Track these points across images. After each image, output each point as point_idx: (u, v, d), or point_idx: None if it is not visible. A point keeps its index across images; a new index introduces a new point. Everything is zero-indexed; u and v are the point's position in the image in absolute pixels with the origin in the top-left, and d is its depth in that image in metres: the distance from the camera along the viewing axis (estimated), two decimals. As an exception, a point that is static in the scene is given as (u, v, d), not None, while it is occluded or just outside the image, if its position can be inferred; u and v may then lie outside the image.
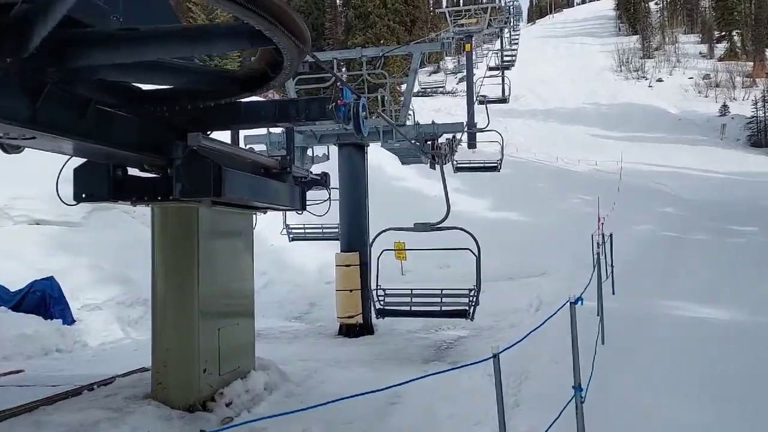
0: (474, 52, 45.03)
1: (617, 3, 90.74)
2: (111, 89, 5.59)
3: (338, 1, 67.60)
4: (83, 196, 6.77)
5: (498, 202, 28.57)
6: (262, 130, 13.32)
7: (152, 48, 4.49)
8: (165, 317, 7.27)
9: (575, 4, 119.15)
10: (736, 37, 75.89)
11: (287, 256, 20.39)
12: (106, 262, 15.21)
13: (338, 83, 6.86)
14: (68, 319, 12.68)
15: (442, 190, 16.01)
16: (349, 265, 13.33)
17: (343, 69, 17.12)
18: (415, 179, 27.93)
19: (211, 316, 7.43)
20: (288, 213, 15.08)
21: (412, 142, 13.09)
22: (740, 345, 7.97)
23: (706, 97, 65.83)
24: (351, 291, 13.21)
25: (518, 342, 4.76)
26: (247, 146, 12.35)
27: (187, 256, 7.24)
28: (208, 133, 6.92)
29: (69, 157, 6.39)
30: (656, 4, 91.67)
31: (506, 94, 34.33)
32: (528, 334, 4.77)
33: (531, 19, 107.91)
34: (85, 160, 6.66)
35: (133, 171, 6.99)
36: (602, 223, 17.64)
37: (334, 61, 14.50)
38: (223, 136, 7.73)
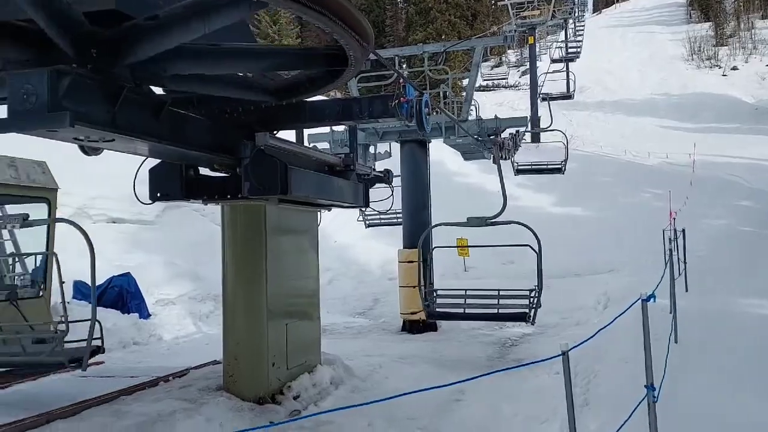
0: (537, 45, 44.14)
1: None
2: (184, 92, 5.81)
3: (398, -3, 67.63)
4: (158, 195, 7.05)
5: (563, 197, 27.96)
6: (326, 129, 13.50)
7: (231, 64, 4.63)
8: (235, 312, 7.50)
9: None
10: (818, 20, 71.54)
11: (351, 253, 20.64)
12: (178, 259, 15.80)
13: (400, 80, 6.87)
14: (144, 314, 13.26)
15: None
16: (411, 262, 13.35)
17: (404, 66, 17.15)
18: (478, 175, 27.67)
19: (279, 312, 7.62)
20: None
21: (475, 137, 12.98)
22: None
23: (786, 84, 62.31)
24: (414, 287, 13.22)
25: (588, 339, 4.67)
26: (311, 145, 12.57)
27: (255, 253, 7.44)
28: (275, 132, 7.09)
29: (144, 158, 6.67)
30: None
31: (571, 89, 32.81)
32: (599, 331, 4.67)
33: (597, 9, 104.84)
34: (159, 161, 6.94)
35: (204, 171, 7.24)
36: (674, 218, 17.04)
37: (396, 58, 14.54)
38: (289, 135, 7.90)
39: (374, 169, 10.63)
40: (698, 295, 10.60)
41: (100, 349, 6.18)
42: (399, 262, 13.74)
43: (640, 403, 4.67)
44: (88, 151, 6.14)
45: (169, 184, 7.02)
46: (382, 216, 16.02)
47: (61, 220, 6.91)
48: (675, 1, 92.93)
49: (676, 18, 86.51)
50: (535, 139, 33.27)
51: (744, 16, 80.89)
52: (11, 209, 11.93)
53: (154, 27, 4.24)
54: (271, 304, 7.43)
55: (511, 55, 70.01)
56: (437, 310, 9.67)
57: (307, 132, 12.36)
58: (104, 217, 17.02)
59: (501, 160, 13.90)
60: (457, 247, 14.93)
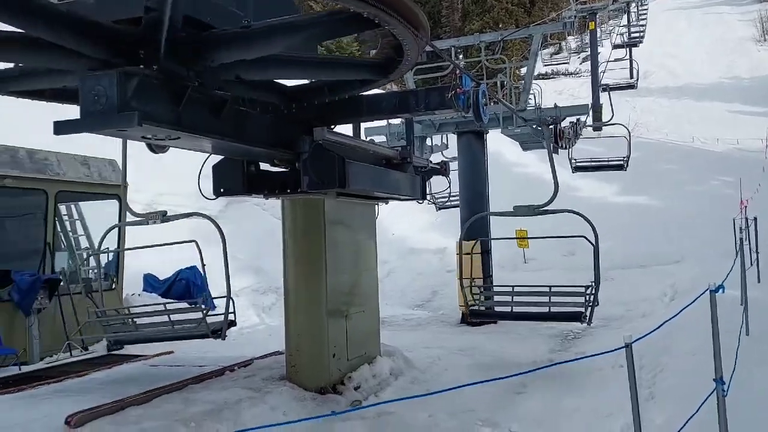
0: (598, 30, 42.80)
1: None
2: (245, 90, 5.97)
3: (454, -13, 66.88)
4: (221, 190, 7.27)
5: (626, 186, 27.15)
6: (383, 122, 13.57)
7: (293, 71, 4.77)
8: (296, 304, 7.67)
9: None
10: None
11: (409, 245, 20.68)
12: (241, 253, 16.21)
13: (456, 71, 6.84)
14: (210, 306, 13.66)
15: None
16: (470, 253, 13.29)
17: (461, 56, 17.00)
18: (537, 165, 27.17)
19: (339, 303, 7.73)
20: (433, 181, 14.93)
21: (534, 126, 12.78)
22: None
23: None
24: (473, 279, 13.15)
25: (653, 331, 4.55)
26: (368, 138, 12.65)
27: (314, 246, 7.57)
28: (332, 126, 7.18)
29: (208, 155, 6.89)
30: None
31: (634, 78, 30.94)
32: (664, 323, 4.55)
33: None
34: (222, 157, 7.14)
35: (264, 166, 7.40)
36: (745, 207, 16.31)
37: (452, 49, 14.45)
38: (346, 129, 7.98)
39: (431, 161, 10.62)
40: (772, 287, 10.15)
41: (233, 323, 7.38)
42: (457, 254, 13.68)
43: (708, 396, 4.52)
44: (155, 148, 6.39)
45: (232, 180, 7.22)
46: (452, 197, 15.75)
47: (196, 214, 8.03)
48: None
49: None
50: (597, 126, 32.35)
51: (821, -9, 76.27)
52: (84, 206, 12.55)
53: (240, 37, 4.40)
54: (331, 296, 7.55)
55: (572, 42, 68.32)
56: (481, 309, 9.06)
57: (363, 125, 12.46)
58: (172, 212, 17.62)
59: (561, 149, 13.66)
60: (516, 238, 14.75)
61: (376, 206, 9.12)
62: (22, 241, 10.80)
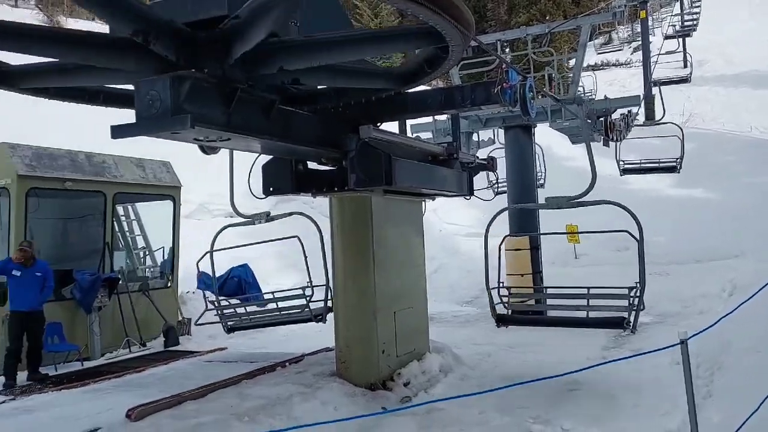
0: (650, 18, 41.60)
1: (824, -56, 78.72)
2: (291, 91, 6.06)
3: (499, -20, 66.06)
4: (270, 189, 7.41)
5: (681, 178, 26.19)
6: (428, 118, 13.54)
7: (330, 53, 4.82)
8: (345, 301, 7.74)
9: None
10: None
11: (457, 241, 20.57)
12: (290, 250, 16.41)
13: (502, 65, 6.77)
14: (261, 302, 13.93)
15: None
16: (519, 249, 13.16)
17: (507, 50, 16.80)
18: (586, 159, 26.62)
19: (387, 300, 7.77)
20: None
21: (583, 119, 12.54)
22: None
23: None
24: (522, 275, 13.04)
25: (710, 327, 4.42)
26: (414, 135, 12.65)
27: (362, 243, 7.63)
28: (378, 124, 7.22)
29: (257, 155, 7.03)
30: None
31: (688, 71, 29.13)
32: (721, 319, 4.41)
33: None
34: (271, 157, 7.27)
35: (312, 165, 7.50)
36: (807, 198, 15.63)
37: (498, 42, 14.30)
38: (392, 126, 8.01)
39: (478, 157, 10.55)
40: (839, 281, 9.69)
41: (330, 309, 8.04)
42: (506, 249, 13.54)
43: (770, 395, 4.38)
44: (207, 150, 6.56)
45: (281, 179, 7.35)
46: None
47: (297, 213, 9.08)
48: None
49: (810, -22, 78.70)
50: (650, 116, 31.47)
51: None
52: (140, 206, 12.96)
53: (304, 46, 4.51)
54: (379, 293, 7.59)
55: (622, 31, 66.61)
56: (511, 313, 8.07)
57: (409, 122, 12.46)
58: (222, 212, 18.01)
59: (612, 142, 13.36)
60: (558, 233, 14.49)
61: (423, 203, 9.12)
62: (82, 242, 11.23)
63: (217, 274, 14.31)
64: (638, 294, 7.01)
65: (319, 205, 18.49)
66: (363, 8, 36.59)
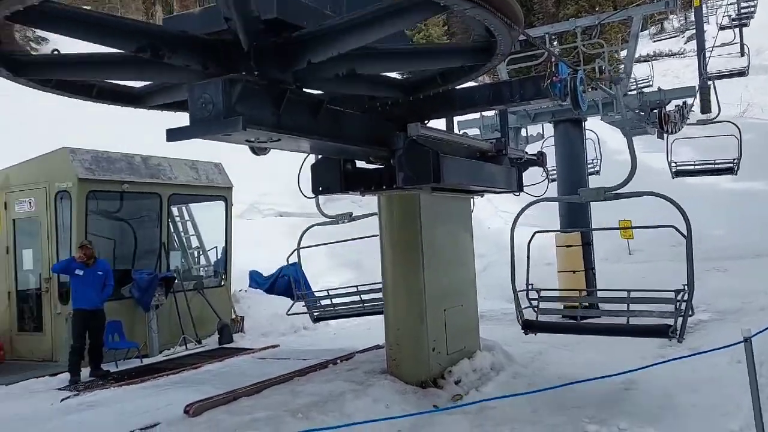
0: (704, 6, 40.19)
1: None
2: (338, 90, 6.11)
3: (546, -28, 64.90)
4: (320, 189, 7.49)
5: (740, 171, 25.39)
6: (475, 114, 13.42)
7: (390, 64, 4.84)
8: (395, 299, 7.76)
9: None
10: None
11: (505, 238, 20.33)
12: (339, 249, 16.56)
13: (552, 58, 6.66)
14: (310, 297, 14.11)
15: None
16: (570, 246, 12.93)
17: (555, 43, 16.53)
18: (641, 152, 25.93)
19: (437, 298, 7.75)
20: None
21: (636, 112, 12.22)
22: None
23: None
24: (574, 272, 12.80)
25: (774, 325, 4.26)
26: (461, 131, 12.57)
27: (411, 241, 7.63)
28: (426, 121, 7.20)
29: (306, 154, 7.11)
30: None
31: (745, 64, 27.18)
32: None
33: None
34: (320, 156, 7.35)
35: (360, 163, 7.54)
36: None
37: (546, 36, 14.07)
38: (438, 123, 7.98)
39: (527, 152, 10.41)
40: None
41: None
42: (557, 246, 13.34)
43: (841, 396, 4.19)
44: (257, 151, 6.68)
45: (330, 178, 7.41)
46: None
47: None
48: None
49: None
50: (706, 109, 30.36)
51: None
52: (194, 207, 13.29)
53: (328, 34, 4.53)
54: (429, 291, 7.58)
55: (674, 21, 64.58)
56: (540, 319, 7.24)
57: (456, 119, 12.38)
58: (272, 212, 18.34)
59: (668, 134, 12.98)
60: (620, 228, 14.16)
61: (472, 200, 9.06)
62: (139, 242, 11.59)
63: (269, 273, 14.64)
64: (686, 298, 6.14)
65: (367, 204, 18.64)
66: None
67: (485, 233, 18.62)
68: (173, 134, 4.80)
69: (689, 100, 14.90)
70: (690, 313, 6.16)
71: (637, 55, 15.33)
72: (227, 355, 10.13)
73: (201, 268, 13.15)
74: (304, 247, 10.03)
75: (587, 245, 13.03)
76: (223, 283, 12.55)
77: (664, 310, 6.48)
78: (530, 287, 7.19)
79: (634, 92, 13.37)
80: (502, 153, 8.46)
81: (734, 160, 14.00)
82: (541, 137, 14.64)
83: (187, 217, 13.36)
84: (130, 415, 6.66)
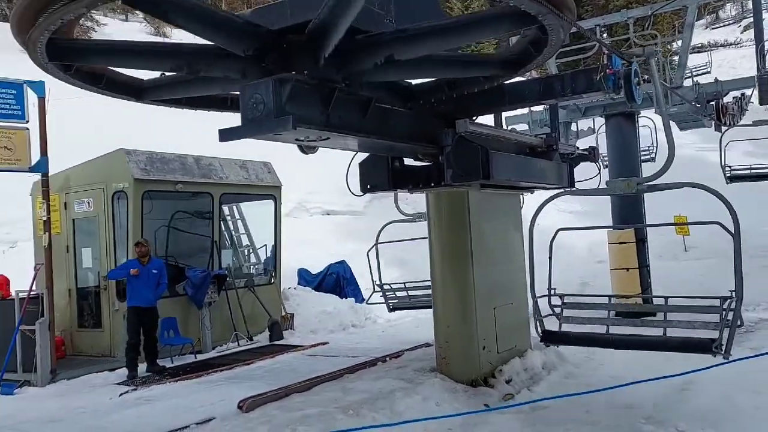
0: (763, -8, 38.59)
1: None
2: (386, 88, 6.11)
3: (595, -37, 63.53)
4: (368, 186, 7.50)
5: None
6: (524, 110, 13.24)
7: (424, 45, 4.81)
8: (444, 297, 7.71)
9: None
10: None
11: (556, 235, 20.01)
12: (386, 247, 16.58)
13: (604, 51, 6.49)
14: (359, 298, 14.20)
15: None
16: (624, 242, 12.61)
17: (605, 35, 16.14)
18: (698, 145, 25.14)
19: (486, 296, 7.67)
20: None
21: (692, 104, 11.83)
22: None
23: None
24: (628, 270, 12.49)
25: None
26: (509, 127, 12.41)
27: (460, 238, 7.57)
28: (474, 118, 7.13)
29: (355, 152, 7.13)
30: None
31: None
32: None
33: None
34: (367, 154, 7.36)
35: (408, 161, 7.53)
36: None
37: (596, 28, 13.75)
38: (486, 119, 7.89)
39: (578, 148, 10.20)
40: None
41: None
42: (609, 243, 13.04)
43: None
44: (306, 150, 6.74)
45: (378, 176, 7.42)
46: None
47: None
48: None
49: None
50: (765, 100, 29.17)
51: None
52: (244, 206, 13.51)
53: (395, 40, 4.55)
54: (479, 288, 7.51)
55: (730, 9, 62.38)
56: (563, 329, 6.45)
57: (504, 115, 12.22)
58: (320, 210, 18.50)
59: (725, 127, 12.52)
60: (676, 224, 13.73)
61: (521, 196, 8.93)
62: (192, 241, 11.85)
63: (317, 270, 14.77)
64: (734, 306, 5.35)
65: (414, 201, 18.60)
66: (453, 1, 36.26)
67: (535, 230, 18.32)
68: (225, 134, 4.89)
69: (747, 92, 14.33)
70: (739, 323, 5.42)
71: (691, 46, 14.81)
72: (278, 352, 10.27)
73: (251, 266, 13.36)
74: (382, 243, 10.64)
75: (641, 242, 12.69)
76: (273, 281, 12.72)
77: (707, 320, 5.73)
78: (553, 292, 6.46)
79: (690, 84, 12.94)
80: (553, 148, 8.31)
81: None
82: (592, 132, 14.33)
83: (237, 216, 13.59)
84: (185, 409, 6.82)
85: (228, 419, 6.13)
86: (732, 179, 13.49)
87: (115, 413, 7.10)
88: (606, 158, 12.92)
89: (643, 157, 14.22)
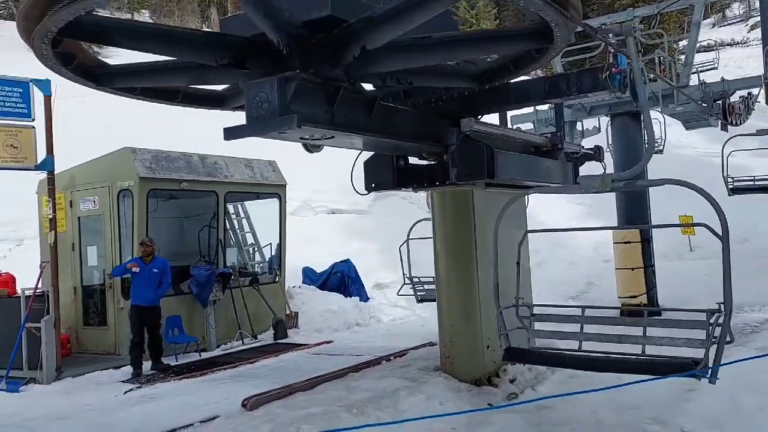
0: (770, -9, 38.40)
1: None
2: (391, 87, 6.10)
3: (601, -39, 63.31)
4: (373, 185, 7.51)
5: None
6: (529, 109, 13.21)
7: (440, 54, 4.80)
8: (449, 296, 7.70)
9: None
10: None
11: (560, 234, 19.96)
12: (391, 246, 16.58)
13: (610, 50, 6.48)
14: (364, 297, 14.21)
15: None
16: (629, 242, 12.59)
17: (611, 34, 16.06)
18: (704, 145, 25.04)
19: (491, 295, 7.64)
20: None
21: (699, 103, 11.78)
22: None
23: None
24: (633, 269, 12.47)
25: None
26: (514, 126, 12.38)
27: (465, 237, 7.56)
28: (479, 117, 7.12)
29: (359, 151, 7.13)
30: None
31: None
32: None
33: None
34: (372, 153, 7.36)
35: (413, 160, 7.52)
36: None
37: (602, 27, 13.70)
38: (491, 118, 7.87)
39: (583, 147, 10.18)
40: None
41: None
42: (615, 242, 13.01)
43: None
44: (311, 148, 6.74)
45: (382, 175, 7.42)
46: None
47: None
48: None
49: None
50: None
51: None
52: (249, 204, 13.53)
53: (368, 26, 4.52)
54: (483, 288, 7.49)
55: (736, 8, 62.12)
56: (531, 347, 5.94)
57: (509, 114, 12.19)
58: (324, 209, 18.51)
59: (731, 126, 12.47)
60: (682, 225, 13.67)
61: (526, 195, 8.91)
62: (197, 239, 11.87)
63: (322, 269, 14.79)
64: (724, 320, 4.65)
65: (418, 200, 18.61)
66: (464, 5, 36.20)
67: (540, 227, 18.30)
68: (230, 133, 4.89)
69: (754, 91, 14.27)
70: (728, 340, 4.65)
71: (698, 46, 14.75)
72: (282, 351, 10.28)
73: (256, 265, 13.38)
74: (413, 239, 10.91)
75: (646, 242, 12.67)
76: (277, 279, 12.73)
77: (692, 337, 5.01)
78: (520, 302, 5.82)
79: (696, 83, 12.89)
80: (558, 147, 8.30)
81: None
82: (597, 131, 14.30)
83: (242, 215, 13.61)
84: (190, 407, 6.83)
85: (232, 417, 6.14)
86: (735, 191, 13.06)
87: (120, 411, 7.12)
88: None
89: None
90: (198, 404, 6.92)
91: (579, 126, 13.94)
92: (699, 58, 14.27)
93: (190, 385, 8.21)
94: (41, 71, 5.78)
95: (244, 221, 13.54)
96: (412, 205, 19.39)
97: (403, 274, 11.24)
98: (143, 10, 42.33)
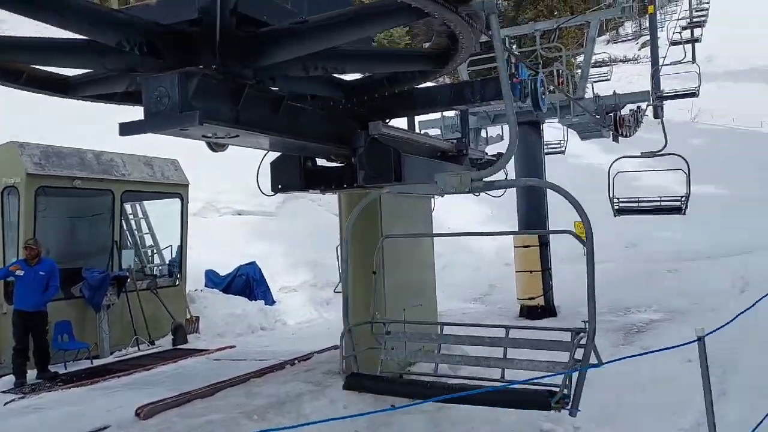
0: (658, 14, 41.26)
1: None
2: (304, 86, 6.04)
3: (506, -25, 65.76)
4: (279, 186, 7.38)
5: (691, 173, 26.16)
6: (436, 114, 13.48)
7: (319, 37, 4.76)
8: (354, 298, 7.67)
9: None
10: None
11: (465, 238, 20.49)
12: (298, 248, 16.42)
13: (512, 60, 6.72)
14: (269, 301, 13.96)
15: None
16: (528, 246, 13.11)
17: (514, 46, 16.72)
18: (596, 155, 26.51)
19: (396, 297, 7.72)
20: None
21: (593, 114, 12.45)
22: None
23: None
24: (531, 272, 12.99)
25: (727, 324, 4.36)
26: (422, 131, 12.58)
27: (371, 240, 7.57)
28: (387, 120, 7.17)
29: (266, 152, 6.99)
30: None
31: (696, 84, 25.45)
32: (739, 315, 4.35)
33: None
34: (279, 154, 7.24)
35: (321, 161, 7.46)
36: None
37: (506, 39, 14.22)
38: (400, 122, 7.96)
39: (487, 153, 10.49)
40: None
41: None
42: (515, 246, 13.51)
43: (787, 393, 4.31)
44: (215, 147, 6.54)
45: (289, 176, 7.31)
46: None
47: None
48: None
49: (821, -29, 77.82)
50: (657, 114, 31.11)
51: None
52: (149, 204, 12.97)
53: (297, 33, 4.45)
54: (389, 290, 7.54)
55: (628, 27, 66.35)
56: (381, 373, 5.49)
57: (417, 118, 12.38)
58: (230, 210, 18.05)
59: (622, 138, 13.26)
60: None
61: (432, 200, 9.07)
62: (90, 240, 11.23)
63: (226, 272, 14.40)
64: (587, 340, 4.25)
65: (327, 203, 18.53)
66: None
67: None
68: (127, 128, 4.64)
69: (643, 105, 15.28)
70: (596, 362, 4.19)
71: (592, 60, 15.61)
72: (181, 357, 9.89)
73: (155, 267, 12.83)
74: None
75: (544, 246, 13.23)
76: (177, 283, 12.27)
77: (555, 360, 4.65)
78: (374, 318, 5.45)
79: (591, 96, 13.61)
80: (463, 153, 8.51)
81: (682, 198, 12.95)
82: (500, 139, 14.80)
83: (141, 215, 13.02)
84: (78, 417, 6.42)
85: (124, 427, 5.83)
86: (620, 212, 13.23)
87: (-2, 424, 6.60)
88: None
89: (553, 150, 14.78)
90: (87, 414, 6.51)
91: (483, 133, 14.37)
92: (594, 71, 15.11)
93: (80, 394, 7.73)
94: None
95: (143, 222, 12.96)
96: (321, 208, 19.29)
97: (339, 274, 10.98)
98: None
